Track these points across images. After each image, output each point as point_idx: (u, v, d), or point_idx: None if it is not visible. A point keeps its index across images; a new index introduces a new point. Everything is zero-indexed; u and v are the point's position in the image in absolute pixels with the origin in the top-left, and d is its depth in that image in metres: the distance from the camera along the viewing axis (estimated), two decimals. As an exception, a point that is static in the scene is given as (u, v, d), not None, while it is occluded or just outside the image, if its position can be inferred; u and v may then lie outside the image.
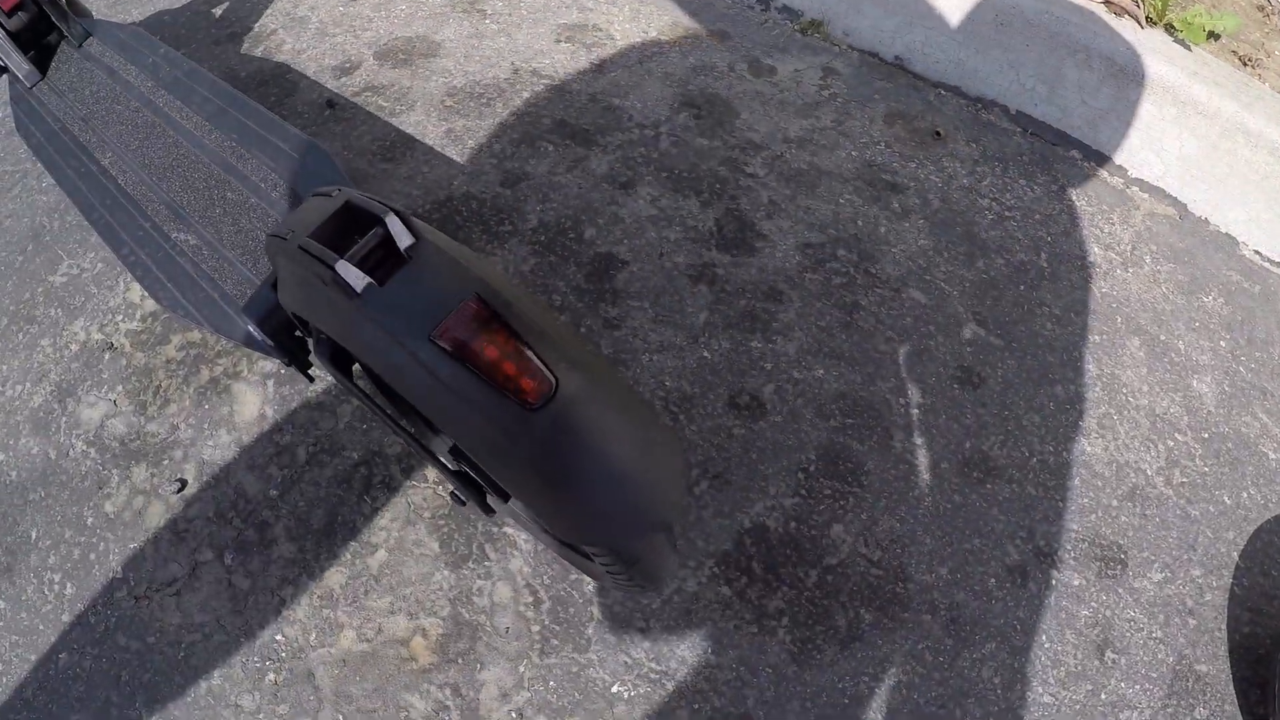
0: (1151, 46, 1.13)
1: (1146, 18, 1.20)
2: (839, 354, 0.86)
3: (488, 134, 1.04)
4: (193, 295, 0.69)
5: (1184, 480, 0.85)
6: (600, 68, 1.15)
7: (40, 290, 0.94)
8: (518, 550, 0.73)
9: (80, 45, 1.00)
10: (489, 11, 1.27)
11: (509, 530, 0.74)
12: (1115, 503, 0.82)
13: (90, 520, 0.76)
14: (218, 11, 1.34)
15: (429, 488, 0.76)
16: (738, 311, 0.88)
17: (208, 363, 0.83)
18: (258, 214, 0.74)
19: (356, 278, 0.43)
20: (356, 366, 0.57)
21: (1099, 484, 0.83)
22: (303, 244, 0.46)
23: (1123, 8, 1.21)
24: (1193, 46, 1.17)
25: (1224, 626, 0.78)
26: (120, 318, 0.89)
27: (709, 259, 0.92)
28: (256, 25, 1.30)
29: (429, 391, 0.42)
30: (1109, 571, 0.78)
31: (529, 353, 0.43)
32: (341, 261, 0.43)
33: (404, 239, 0.44)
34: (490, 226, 0.93)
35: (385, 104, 1.10)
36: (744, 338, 0.86)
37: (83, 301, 0.92)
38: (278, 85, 1.14)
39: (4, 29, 0.96)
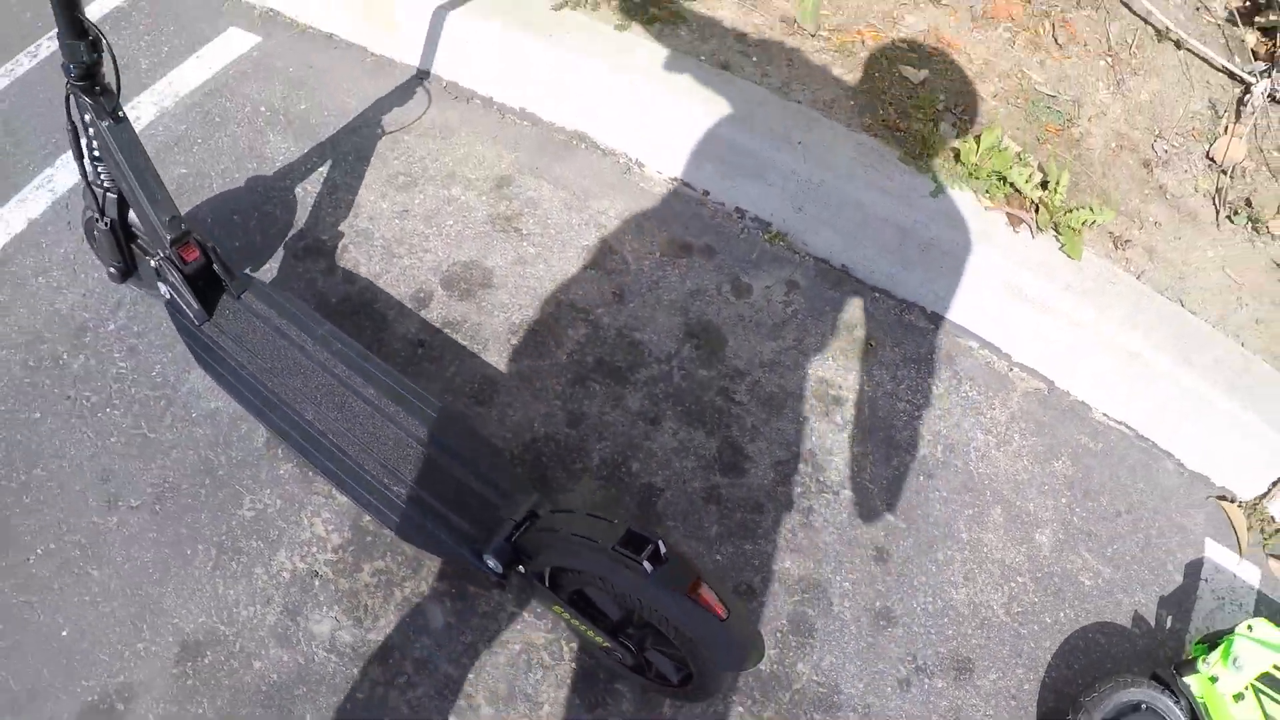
0: (1037, 261, 1.73)
1: (1038, 226, 1.79)
2: (799, 548, 1.53)
3: (549, 374, 1.64)
4: (421, 538, 1.32)
5: (1019, 610, 1.56)
6: (621, 296, 1.73)
7: (235, 524, 1.54)
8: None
9: (239, 296, 1.56)
10: (524, 231, 1.81)
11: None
12: (970, 631, 1.53)
13: (348, 706, 1.42)
14: (279, 214, 1.86)
15: (576, 659, 1.45)
16: (735, 523, 1.54)
17: (397, 584, 1.48)
18: (444, 478, 1.35)
19: (648, 567, 1.09)
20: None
21: (960, 619, 1.53)
22: (616, 552, 1.09)
23: (1019, 218, 1.80)
24: (1072, 250, 1.77)
25: (1035, 705, 1.52)
26: (315, 549, 1.52)
27: (715, 482, 1.57)
28: (326, 238, 1.83)
29: (678, 617, 1.07)
30: (961, 676, 1.50)
31: (718, 596, 1.11)
32: (646, 562, 1.09)
33: (664, 550, 1.09)
34: (567, 465, 1.56)
35: (463, 341, 1.67)
36: (740, 543, 1.53)
37: (277, 535, 1.53)
38: (369, 317, 1.71)
39: (183, 274, 1.51)
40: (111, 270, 1.65)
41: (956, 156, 1.79)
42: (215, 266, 1.50)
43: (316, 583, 1.45)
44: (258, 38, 2.32)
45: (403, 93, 2.06)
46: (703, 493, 1.53)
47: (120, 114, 1.41)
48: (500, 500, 1.29)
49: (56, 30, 1.30)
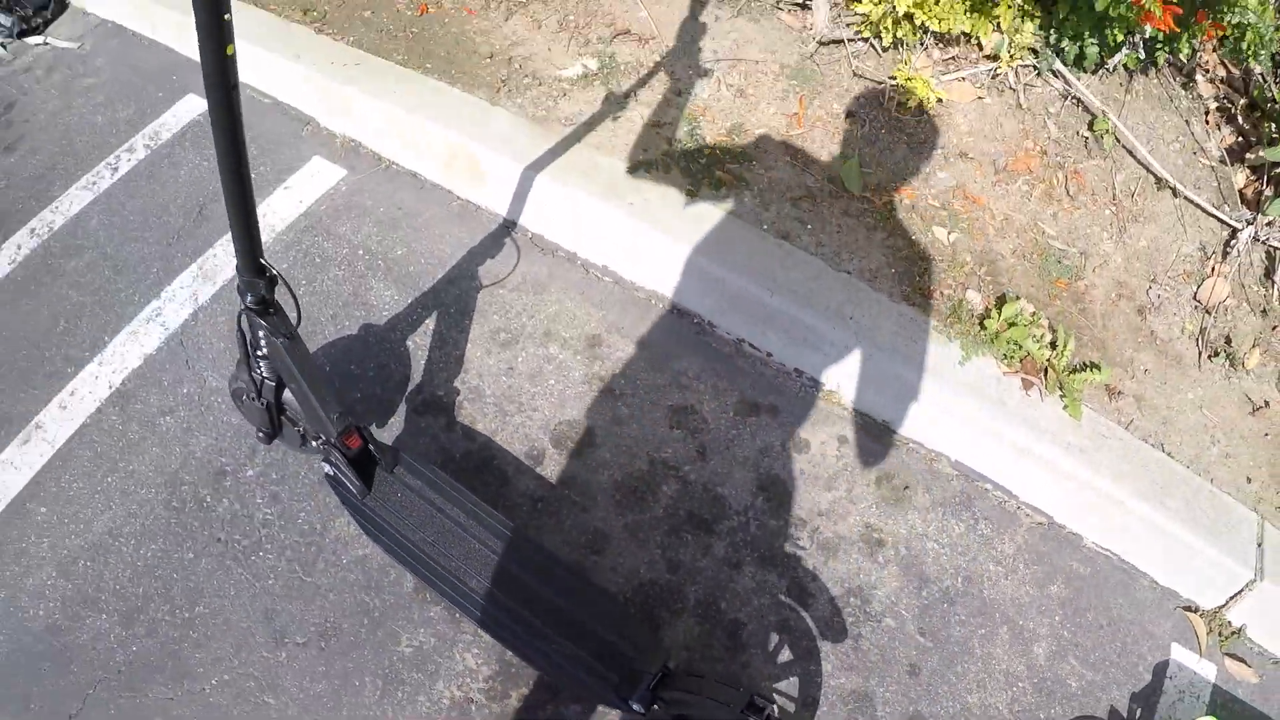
0: (1043, 424, 2.17)
1: (1045, 388, 2.23)
2: (851, 666, 2.02)
3: (649, 527, 2.08)
4: (569, 680, 1.79)
5: (1020, 709, 2.07)
6: (703, 453, 2.16)
7: (396, 659, 1.98)
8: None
9: (391, 470, 1.98)
10: (617, 391, 2.22)
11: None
12: (981, 729, 2.05)
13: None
14: (394, 366, 2.26)
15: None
16: (802, 650, 2.01)
17: (539, 707, 1.96)
18: (584, 631, 1.81)
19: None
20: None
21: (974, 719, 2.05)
22: (742, 714, 1.58)
23: (1030, 382, 2.23)
24: (1074, 412, 2.20)
25: (1027, 781, 2.05)
26: (469, 680, 1.97)
27: (786, 616, 2.03)
28: (442, 394, 2.23)
29: None
30: (975, 765, 2.03)
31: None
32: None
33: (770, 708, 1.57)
34: (670, 605, 2.01)
35: (575, 497, 2.11)
36: (806, 664, 2.01)
37: (434, 668, 1.98)
38: (491, 473, 2.13)
39: (346, 459, 1.93)
40: (261, 434, 2.05)
41: (981, 323, 2.23)
42: (370, 447, 1.92)
43: (473, 708, 1.93)
44: (343, 170, 2.67)
45: (493, 243, 2.44)
46: (776, 625, 2.01)
47: (295, 335, 1.79)
48: (635, 653, 1.75)
49: (236, 264, 1.65)
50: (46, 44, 3.75)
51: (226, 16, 1.22)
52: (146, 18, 3.37)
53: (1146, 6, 2.17)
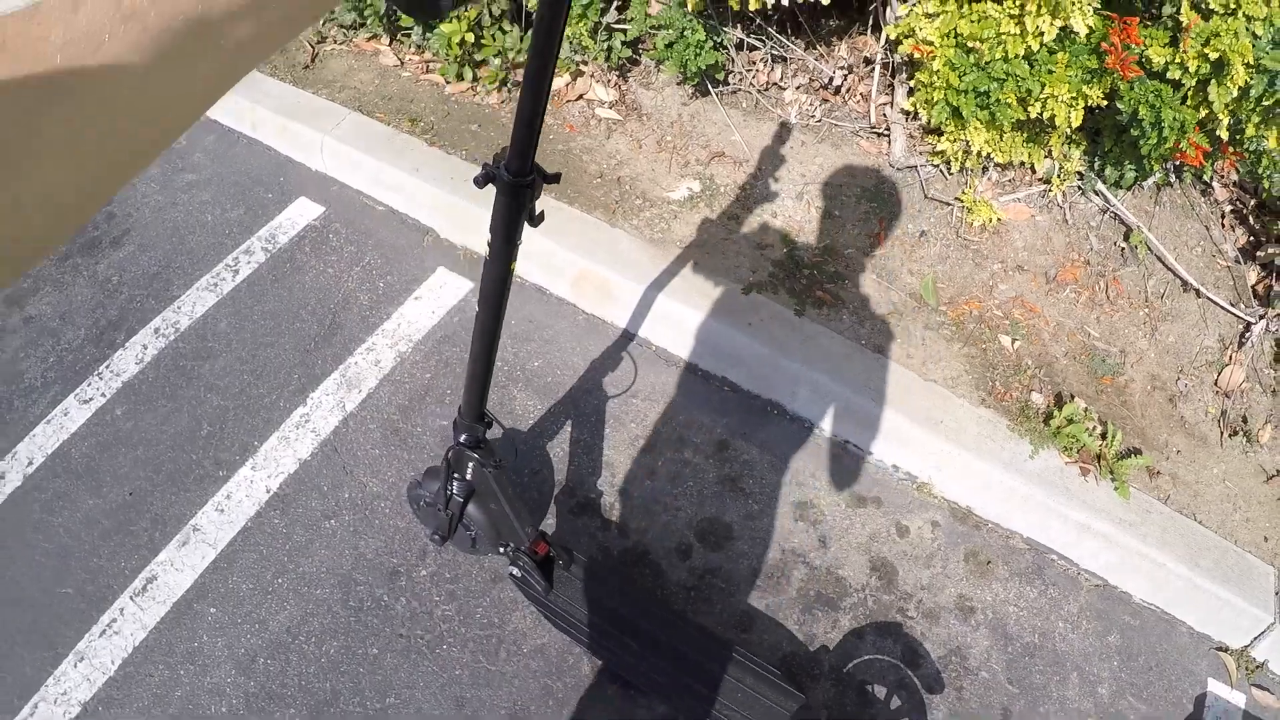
0: (1099, 504, 2.79)
1: (1099, 474, 2.84)
2: (957, 713, 2.64)
3: (786, 607, 2.64)
4: None
5: (1086, 741, 2.71)
6: (824, 542, 2.74)
7: None
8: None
9: (568, 568, 2.52)
10: (748, 490, 2.79)
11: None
12: (1059, 759, 2.68)
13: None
14: (545, 472, 2.79)
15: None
16: (914, 702, 2.63)
17: (704, 765, 2.53)
18: (749, 699, 2.39)
19: None
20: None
21: (1053, 752, 2.68)
22: None
23: (1087, 469, 2.84)
24: (1123, 493, 2.82)
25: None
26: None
27: (902, 675, 2.63)
28: (593, 496, 2.76)
29: None
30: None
31: None
32: None
33: None
34: (810, 672, 2.60)
35: (721, 584, 2.66)
36: (916, 716, 2.63)
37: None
38: (648, 567, 2.68)
39: (534, 562, 2.46)
40: (435, 537, 2.56)
41: (1045, 420, 2.84)
42: (552, 551, 2.47)
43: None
44: (469, 282, 3.17)
45: (621, 356, 2.97)
46: (894, 683, 2.61)
47: (502, 463, 2.30)
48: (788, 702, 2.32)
49: (460, 408, 2.11)
50: (138, 137, 4.15)
51: (513, 265, 1.68)
52: (246, 116, 3.79)
53: (1182, 148, 2.78)
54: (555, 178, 1.54)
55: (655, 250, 2.93)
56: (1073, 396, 2.82)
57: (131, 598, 2.52)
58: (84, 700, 2.36)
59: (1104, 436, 2.81)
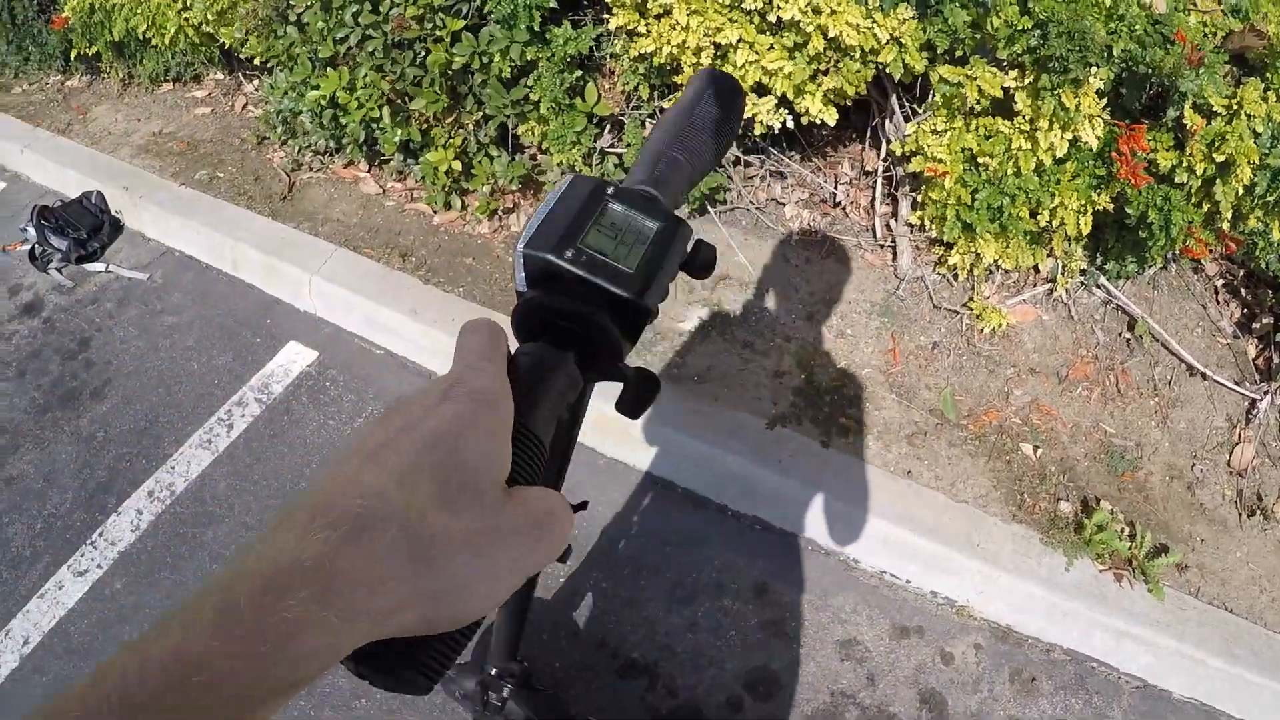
0: (1135, 609, 2.80)
1: (1132, 577, 2.84)
2: (1015, 841, 2.64)
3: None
4: None
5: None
6: (872, 680, 2.71)
7: None
8: None
9: None
10: (789, 634, 2.75)
11: None
12: None
13: None
14: (584, 628, 2.72)
15: None
16: (976, 838, 2.62)
17: None
18: None
19: None
20: None
21: None
22: None
23: (1121, 574, 2.85)
24: (1157, 594, 2.83)
25: None
26: None
27: (959, 812, 2.64)
28: (636, 655, 2.71)
29: None
30: None
31: None
32: None
33: None
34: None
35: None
36: None
37: None
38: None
39: None
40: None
41: (1077, 529, 2.83)
42: None
43: None
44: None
45: (648, 499, 2.91)
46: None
47: (532, 686, 2.22)
48: None
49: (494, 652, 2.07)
50: (109, 272, 3.95)
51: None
52: (225, 253, 3.64)
53: (1189, 245, 2.77)
54: (582, 506, 1.47)
55: (673, 388, 2.87)
56: (1099, 500, 2.82)
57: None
58: None
59: (1133, 538, 2.81)
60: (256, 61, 3.91)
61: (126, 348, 3.64)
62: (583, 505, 1.47)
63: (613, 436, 2.96)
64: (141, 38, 4.27)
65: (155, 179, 4.42)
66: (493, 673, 2.01)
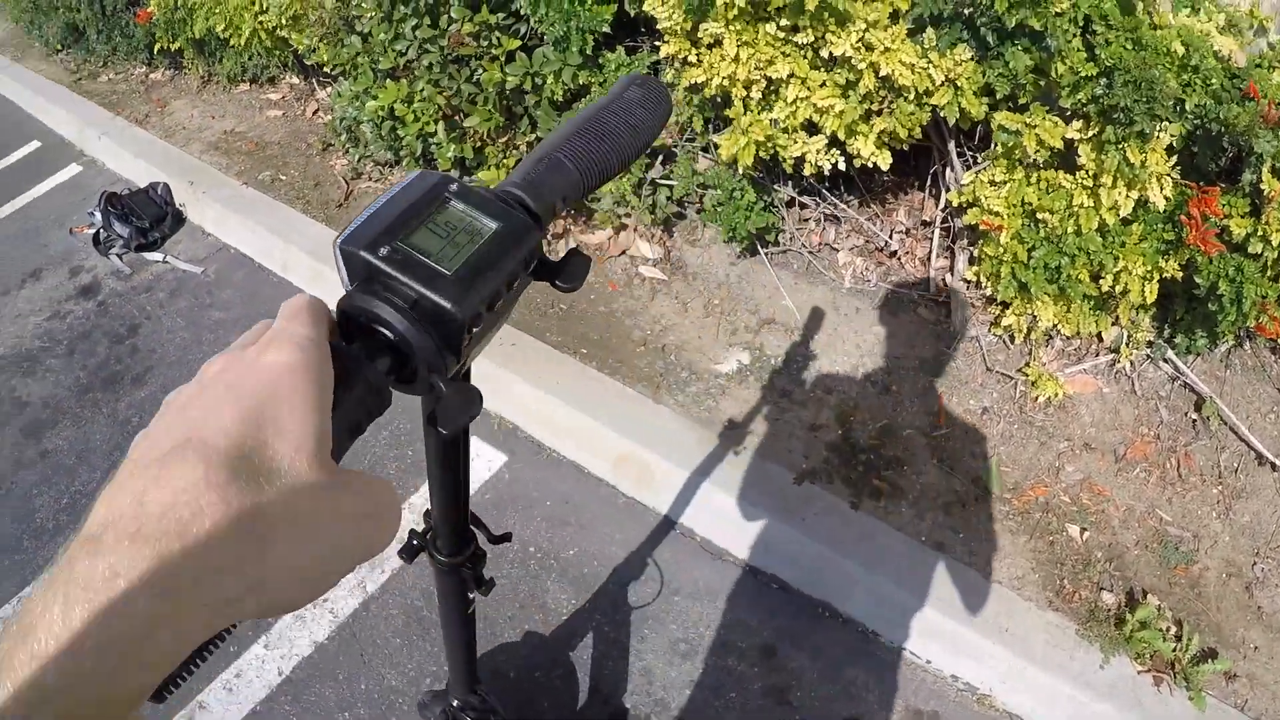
0: (1164, 717, 2.58)
1: (1174, 683, 2.62)
2: None
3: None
4: None
5: None
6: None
7: None
8: None
9: None
10: (794, 703, 2.60)
11: None
12: None
13: None
14: (580, 677, 2.59)
15: None
16: None
17: None
18: None
19: None
20: None
21: None
22: None
23: (1161, 677, 2.63)
24: (1199, 704, 2.60)
25: None
26: None
27: None
28: (630, 706, 2.58)
29: None
30: None
31: None
32: None
33: None
34: None
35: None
36: None
37: None
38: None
39: None
40: None
41: (1117, 623, 2.62)
42: None
43: None
44: (504, 455, 3.01)
45: (662, 546, 2.79)
46: None
47: None
48: None
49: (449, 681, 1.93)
50: (166, 263, 4.01)
51: None
52: (277, 256, 3.65)
53: (1261, 322, 2.56)
54: (505, 538, 1.34)
55: (702, 431, 2.76)
56: (1145, 594, 2.61)
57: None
58: None
59: (1179, 638, 2.59)
60: (327, 69, 3.94)
61: (172, 338, 3.68)
62: (506, 537, 1.36)
63: (632, 476, 2.86)
64: (220, 37, 4.34)
65: (220, 176, 4.49)
66: (454, 704, 1.93)
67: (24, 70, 6.66)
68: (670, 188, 3.08)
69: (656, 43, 2.82)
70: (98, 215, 4.14)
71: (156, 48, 5.04)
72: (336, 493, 0.44)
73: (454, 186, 0.61)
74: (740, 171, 2.82)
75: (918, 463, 2.80)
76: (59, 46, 6.46)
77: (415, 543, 1.21)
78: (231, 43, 4.32)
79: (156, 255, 4.01)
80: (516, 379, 2.99)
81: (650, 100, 0.74)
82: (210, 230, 4.09)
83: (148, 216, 4.10)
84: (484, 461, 3.02)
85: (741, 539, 2.76)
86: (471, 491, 2.96)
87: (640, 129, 0.73)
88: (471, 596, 1.31)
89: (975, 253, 2.84)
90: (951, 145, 2.72)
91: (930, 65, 2.33)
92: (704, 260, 3.20)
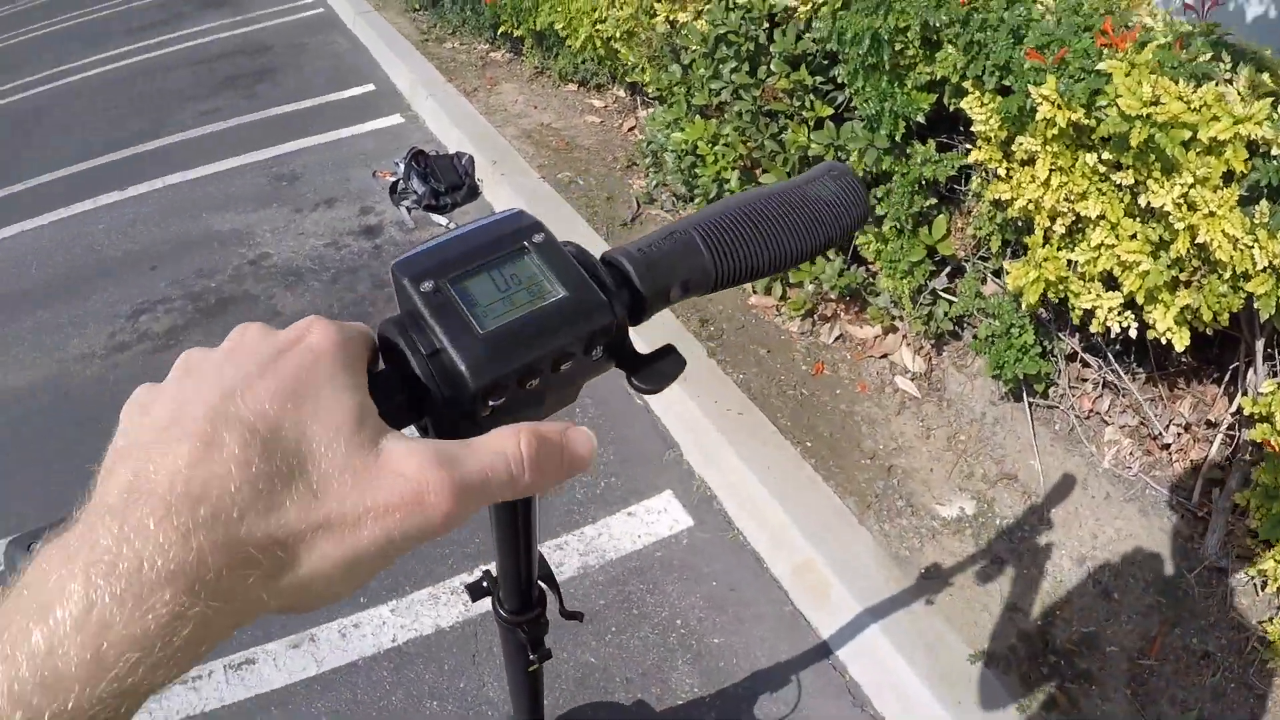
0: None
1: None
2: None
3: None
4: None
5: None
6: None
7: None
8: None
9: None
10: None
11: None
12: None
13: None
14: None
15: None
16: None
17: None
18: None
19: None
20: None
21: None
22: None
23: None
24: None
25: None
26: None
27: None
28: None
29: None
30: None
31: None
32: None
33: None
34: None
35: None
36: None
37: None
38: None
39: None
40: None
41: None
42: None
43: None
44: (691, 520, 2.95)
45: (810, 670, 2.63)
46: None
47: None
48: None
49: None
50: (449, 229, 4.31)
51: None
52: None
53: None
54: (575, 616, 1.25)
55: (895, 571, 2.60)
56: None
57: (226, 668, 2.62)
58: None
59: None
60: (649, 90, 4.10)
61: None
62: (576, 616, 1.29)
63: (807, 588, 2.72)
64: (559, 35, 4.63)
65: (523, 163, 4.78)
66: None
67: (380, 19, 7.49)
68: (950, 303, 2.94)
69: (968, 145, 2.70)
70: (401, 166, 4.53)
71: (500, 29, 5.47)
72: (374, 480, 0.41)
73: (539, 237, 0.55)
74: (1024, 308, 2.64)
75: (1110, 687, 2.47)
76: (416, 6, 7.23)
77: (485, 584, 1.13)
78: (568, 42, 4.60)
79: (442, 219, 4.33)
80: (732, 450, 2.94)
81: (841, 200, 0.64)
82: (497, 211, 4.40)
83: (445, 181, 4.43)
84: (670, 519, 2.98)
85: (891, 697, 2.54)
86: (647, 545, 2.94)
87: (815, 230, 0.62)
88: (531, 658, 1.23)
89: (1252, 474, 2.49)
90: (1260, 344, 2.40)
91: (1255, 244, 2.04)
92: (964, 390, 3.01)
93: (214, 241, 4.83)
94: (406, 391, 0.50)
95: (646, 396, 3.28)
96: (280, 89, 6.88)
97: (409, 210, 4.48)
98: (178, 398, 0.42)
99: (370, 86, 6.39)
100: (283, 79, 7.13)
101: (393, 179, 4.65)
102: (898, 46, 2.64)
